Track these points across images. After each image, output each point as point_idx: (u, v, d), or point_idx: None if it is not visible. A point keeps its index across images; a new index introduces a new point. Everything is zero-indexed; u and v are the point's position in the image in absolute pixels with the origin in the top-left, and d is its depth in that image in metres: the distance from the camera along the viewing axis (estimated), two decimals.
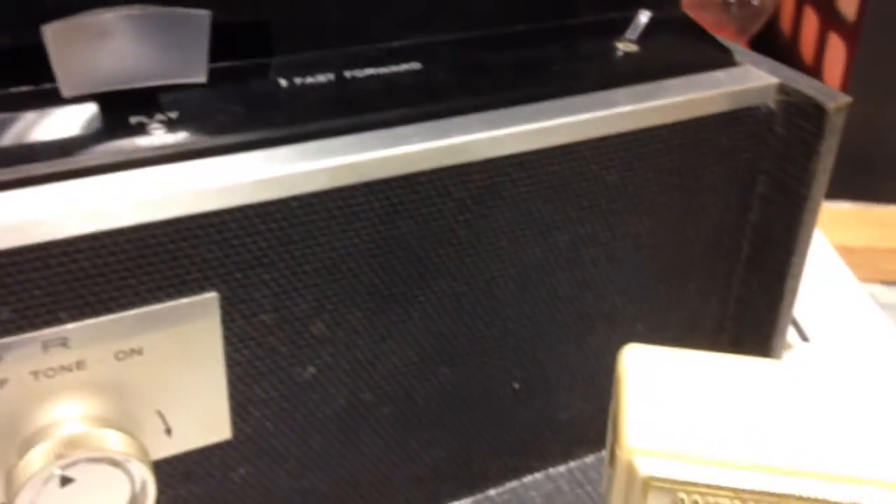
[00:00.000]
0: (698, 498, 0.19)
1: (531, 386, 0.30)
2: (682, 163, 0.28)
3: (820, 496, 0.18)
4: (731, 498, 0.19)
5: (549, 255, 0.27)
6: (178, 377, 0.23)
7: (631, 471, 0.19)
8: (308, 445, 0.27)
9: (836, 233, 0.54)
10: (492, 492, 0.31)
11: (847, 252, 0.51)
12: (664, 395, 0.20)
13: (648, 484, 0.19)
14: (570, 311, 0.29)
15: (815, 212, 0.29)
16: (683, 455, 0.19)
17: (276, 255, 0.23)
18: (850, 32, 0.62)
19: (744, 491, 0.18)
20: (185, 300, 0.23)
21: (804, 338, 0.36)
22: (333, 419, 0.27)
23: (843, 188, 0.62)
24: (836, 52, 0.64)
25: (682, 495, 0.19)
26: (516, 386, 0.30)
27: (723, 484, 0.18)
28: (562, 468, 0.32)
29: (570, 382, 0.31)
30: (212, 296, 0.23)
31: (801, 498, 0.18)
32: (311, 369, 0.25)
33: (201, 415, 0.24)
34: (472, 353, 0.28)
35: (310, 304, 0.24)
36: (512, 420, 0.30)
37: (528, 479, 0.32)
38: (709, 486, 0.18)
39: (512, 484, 0.31)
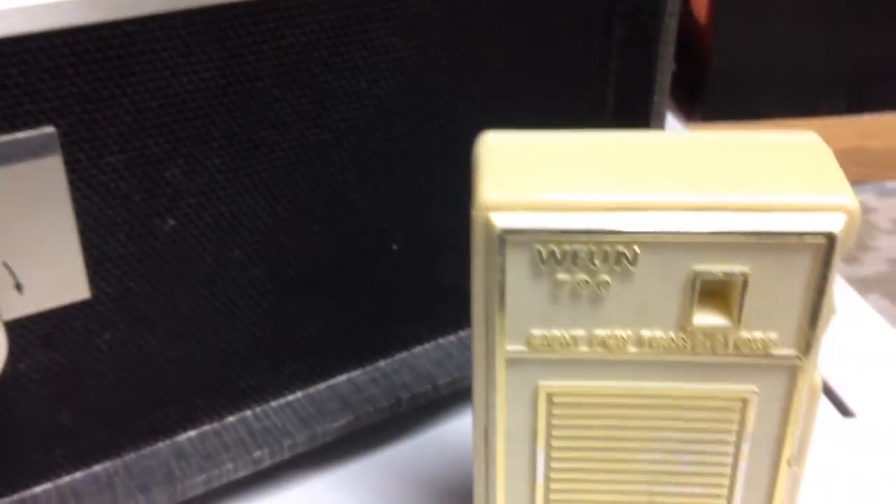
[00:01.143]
0: (555, 248, 0.18)
1: (411, 248, 0.29)
2: None
3: (671, 229, 0.18)
4: (585, 243, 0.18)
5: (414, 100, 0.27)
6: (23, 223, 0.22)
7: (488, 228, 0.18)
8: (176, 309, 0.25)
9: None
10: (381, 363, 0.30)
11: None
12: (519, 162, 0.19)
13: (505, 239, 0.18)
14: (442, 163, 0.28)
15: None
16: (537, 206, 0.18)
17: (117, 88, 0.22)
18: None
19: (597, 232, 0.18)
20: (20, 135, 0.21)
21: None
22: (202, 280, 0.26)
23: (720, 110, 0.63)
24: None
25: (539, 247, 0.18)
26: (395, 247, 0.29)
27: (577, 228, 0.18)
28: (452, 337, 0.31)
29: (452, 245, 0.30)
30: (50, 131, 0.22)
31: (652, 233, 0.18)
32: (171, 221, 0.24)
33: (54, 269, 0.23)
34: (343, 210, 0.27)
35: (161, 147, 0.23)
36: (395, 286, 0.29)
37: (417, 349, 0.31)
38: (563, 233, 0.18)
39: (402, 355, 0.31)
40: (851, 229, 0.18)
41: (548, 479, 0.21)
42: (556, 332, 0.19)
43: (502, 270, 0.19)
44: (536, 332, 0.19)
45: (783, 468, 0.21)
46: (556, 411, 0.20)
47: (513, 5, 0.27)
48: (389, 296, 0.29)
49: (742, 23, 0.63)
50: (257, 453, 0.27)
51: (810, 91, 0.64)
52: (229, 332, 0.27)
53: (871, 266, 0.49)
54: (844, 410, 0.31)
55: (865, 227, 0.52)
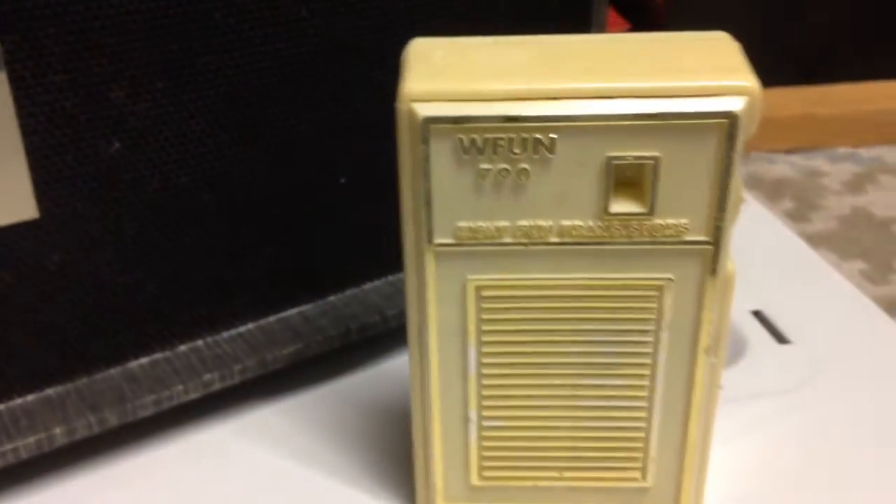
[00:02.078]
0: (476, 136, 0.19)
1: (359, 183, 0.30)
2: None
3: (584, 113, 0.19)
4: (505, 131, 0.19)
5: (360, 32, 0.28)
6: None
7: (412, 119, 0.19)
8: (125, 234, 0.26)
9: None
10: (332, 297, 0.31)
11: None
12: (443, 61, 0.20)
13: (428, 127, 0.19)
14: (391, 97, 0.29)
15: None
16: (458, 96, 0.19)
17: (59, 6, 0.23)
18: None
19: (515, 119, 0.19)
20: None
21: None
22: (149, 205, 0.26)
23: None
24: None
25: (461, 136, 0.19)
26: (343, 181, 0.30)
27: (496, 114, 0.19)
28: (401, 275, 0.32)
29: None
30: None
31: (566, 118, 0.19)
32: (116, 144, 0.25)
33: (2, 188, 0.24)
34: (289, 141, 0.28)
35: (105, 68, 0.24)
36: (344, 221, 0.30)
37: (367, 285, 0.32)
38: (483, 120, 0.19)
39: (352, 290, 0.31)
40: (753, 111, 0.19)
41: (479, 373, 0.22)
42: (482, 224, 0.20)
43: (427, 160, 0.19)
44: (463, 224, 0.20)
45: (701, 357, 0.22)
46: (484, 304, 0.21)
47: None
48: (338, 230, 0.30)
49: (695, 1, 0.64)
50: (207, 376, 0.28)
51: (763, 63, 0.65)
52: (178, 259, 0.27)
53: (820, 224, 0.51)
54: (781, 338, 0.32)
55: (816, 189, 0.54)
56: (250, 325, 0.30)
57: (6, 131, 0.23)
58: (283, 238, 0.29)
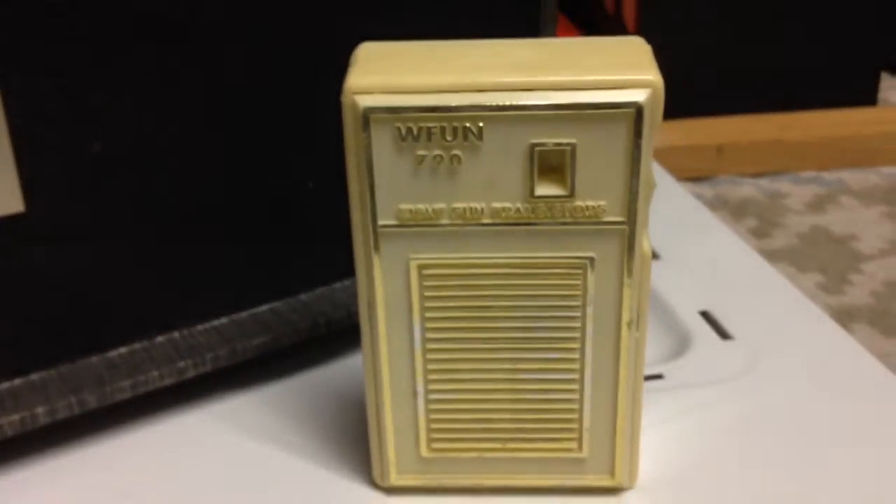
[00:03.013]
0: (412, 125, 0.22)
1: (328, 187, 0.32)
2: None
3: (508, 103, 0.21)
4: (437, 120, 0.21)
5: (328, 47, 0.30)
6: None
7: (354, 110, 0.21)
8: (106, 229, 0.28)
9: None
10: (303, 296, 0.33)
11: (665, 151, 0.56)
12: (386, 60, 0.23)
13: (368, 117, 0.21)
14: None
15: None
16: (396, 89, 0.21)
17: (47, 18, 0.25)
18: None
19: (446, 109, 0.21)
20: None
21: None
22: (129, 203, 0.28)
23: None
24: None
25: (399, 124, 0.22)
26: (311, 185, 0.32)
27: (429, 105, 0.21)
28: None
29: None
30: None
31: (492, 108, 0.21)
32: (98, 145, 0.27)
33: None
34: (261, 145, 0.30)
35: (87, 75, 0.26)
36: (314, 223, 0.32)
37: (337, 284, 0.34)
38: (418, 110, 0.21)
39: (322, 289, 0.34)
40: (656, 102, 0.21)
41: (424, 348, 0.24)
42: (421, 206, 0.23)
43: (368, 147, 0.22)
44: (404, 206, 0.23)
45: (624, 331, 0.24)
46: (426, 282, 0.23)
47: None
48: (308, 232, 0.32)
49: (667, 30, 0.67)
50: (181, 363, 0.30)
51: (731, 92, 0.68)
52: (157, 255, 0.30)
53: (781, 240, 0.53)
54: (724, 335, 0.34)
55: (779, 209, 0.56)
56: (224, 320, 0.32)
57: None
58: (256, 238, 0.31)
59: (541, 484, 0.26)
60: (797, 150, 0.63)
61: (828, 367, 0.32)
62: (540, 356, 0.24)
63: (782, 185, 0.61)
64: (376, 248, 0.23)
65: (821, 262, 0.51)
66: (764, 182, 0.62)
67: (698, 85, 0.68)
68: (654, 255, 0.41)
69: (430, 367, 0.25)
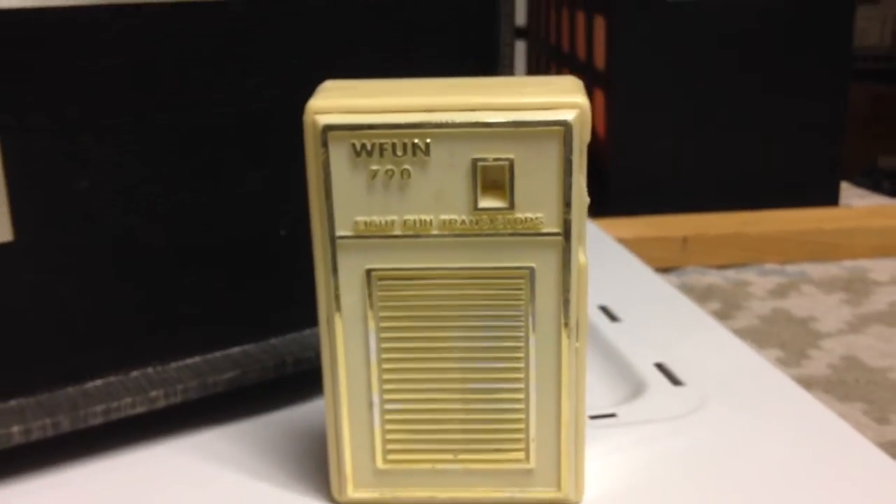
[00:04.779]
0: (366, 141, 0.24)
1: (298, 236, 0.34)
2: None
3: (452, 121, 0.24)
4: (389, 137, 0.24)
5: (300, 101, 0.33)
6: None
7: (314, 128, 0.24)
8: (89, 264, 0.30)
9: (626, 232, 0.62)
10: (273, 340, 0.35)
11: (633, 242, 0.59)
12: (344, 91, 0.25)
13: (326, 134, 0.24)
14: None
15: None
16: (352, 110, 0.24)
17: (42, 63, 0.28)
18: (605, 85, 0.73)
19: (396, 126, 0.24)
20: None
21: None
22: (110, 240, 0.31)
23: (623, 208, 0.71)
24: (599, 102, 0.75)
25: (354, 141, 0.24)
26: (283, 233, 0.34)
27: (381, 123, 0.24)
28: None
29: None
30: None
31: (437, 125, 0.24)
32: (85, 182, 0.30)
33: None
34: (236, 191, 0.33)
35: (76, 116, 0.29)
36: (286, 270, 0.34)
37: (307, 331, 0.36)
38: (371, 128, 0.24)
39: (293, 335, 0.35)
40: (584, 121, 0.24)
41: (380, 358, 0.26)
42: (375, 218, 0.25)
43: (327, 162, 0.24)
44: (360, 218, 0.25)
45: (564, 340, 0.26)
46: (380, 292, 0.25)
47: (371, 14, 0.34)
48: (281, 278, 0.34)
49: (635, 137, 0.71)
50: (153, 393, 0.31)
51: (696, 192, 0.72)
52: (133, 292, 0.32)
53: (743, 321, 0.55)
54: (676, 381, 0.36)
55: (742, 295, 0.59)
56: (197, 358, 0.33)
57: None
58: (230, 282, 0.33)
59: (491, 496, 0.27)
60: (760, 244, 0.66)
61: (772, 409, 0.34)
62: (487, 365, 0.26)
63: (746, 275, 0.64)
64: (334, 258, 0.25)
65: (781, 340, 0.53)
66: (729, 273, 0.64)
67: (664, 188, 0.72)
68: (614, 318, 0.43)
69: (385, 377, 0.26)
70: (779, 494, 0.28)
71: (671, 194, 0.71)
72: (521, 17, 1.15)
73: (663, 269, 0.64)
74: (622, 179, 0.71)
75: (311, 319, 0.36)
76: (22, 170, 0.29)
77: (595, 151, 0.78)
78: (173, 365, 0.33)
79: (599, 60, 0.75)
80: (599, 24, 0.75)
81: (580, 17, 0.81)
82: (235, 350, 0.34)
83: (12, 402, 0.30)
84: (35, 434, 0.29)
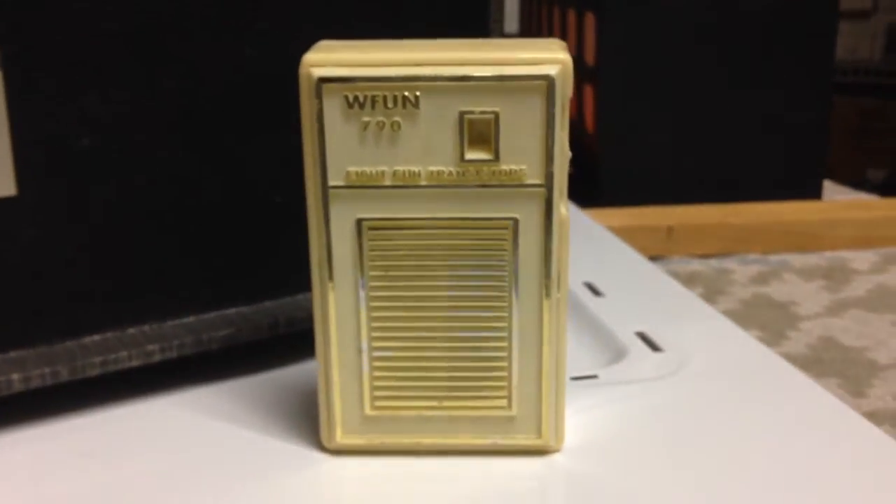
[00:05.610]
0: (359, 94, 0.25)
1: (295, 201, 0.35)
2: None
3: (440, 75, 0.25)
4: (380, 89, 0.25)
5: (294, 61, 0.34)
6: None
7: (309, 80, 0.25)
8: (88, 220, 0.31)
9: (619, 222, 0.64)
10: (267, 303, 0.36)
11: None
12: (338, 47, 0.26)
13: (321, 86, 0.25)
14: None
15: None
16: (345, 63, 0.25)
17: (51, 25, 0.29)
18: (594, 80, 0.75)
19: (387, 79, 0.25)
20: None
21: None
22: (110, 198, 0.32)
23: (612, 200, 0.72)
24: (588, 97, 0.76)
25: (347, 93, 0.25)
26: (278, 199, 0.35)
27: (373, 76, 0.25)
28: None
29: None
30: None
31: (426, 79, 0.25)
32: (86, 141, 0.31)
33: None
34: (235, 155, 0.34)
35: (82, 77, 0.30)
36: (281, 235, 0.36)
37: (300, 295, 0.37)
38: (364, 80, 0.25)
39: (285, 299, 0.36)
40: (566, 76, 0.25)
41: (369, 305, 0.27)
42: (366, 169, 0.26)
43: (320, 113, 0.25)
44: (351, 168, 0.26)
45: (546, 291, 0.27)
46: (370, 242, 0.27)
47: None
48: (274, 242, 0.36)
49: (623, 131, 0.72)
50: (150, 347, 0.32)
51: (682, 185, 0.73)
52: (132, 251, 0.33)
53: (724, 304, 0.56)
54: (655, 348, 0.37)
55: (724, 281, 0.60)
56: (192, 318, 0.35)
57: None
58: (227, 244, 0.34)
59: (474, 442, 0.28)
60: (743, 234, 0.68)
61: (747, 371, 0.35)
62: (472, 314, 0.27)
63: (729, 264, 0.65)
64: (326, 207, 0.26)
65: (761, 322, 0.54)
66: (712, 262, 0.66)
67: (652, 181, 0.73)
68: (598, 293, 0.44)
69: (374, 324, 0.27)
70: (752, 448, 0.29)
71: (658, 186, 0.73)
72: (513, 20, 1.16)
73: (649, 258, 0.66)
74: (611, 171, 0.73)
75: (304, 284, 0.37)
76: (26, 127, 0.30)
77: (585, 144, 0.80)
78: (169, 323, 0.34)
79: (589, 57, 0.76)
80: (590, 21, 0.77)
81: (571, 15, 0.83)
82: (231, 311, 0.35)
83: (12, 354, 0.31)
84: (34, 382, 0.30)
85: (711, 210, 0.70)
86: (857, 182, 0.94)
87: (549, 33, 0.92)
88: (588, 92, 0.76)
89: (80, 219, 0.31)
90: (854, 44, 1.57)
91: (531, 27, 1.03)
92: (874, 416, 0.43)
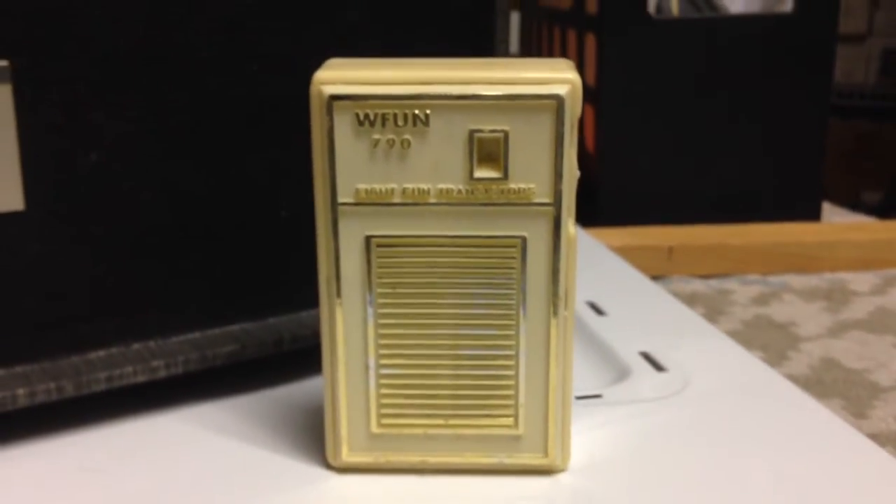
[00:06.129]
0: (369, 111, 0.25)
1: (300, 217, 0.35)
2: None
3: (450, 94, 0.25)
4: (391, 107, 0.25)
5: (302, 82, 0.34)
6: None
7: (320, 97, 0.25)
8: (94, 235, 0.31)
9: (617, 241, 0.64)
10: (271, 319, 0.36)
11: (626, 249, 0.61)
12: (349, 65, 0.27)
13: (332, 103, 0.25)
14: None
15: None
16: (356, 81, 0.25)
17: (61, 42, 0.29)
18: (595, 101, 0.75)
19: (398, 97, 0.25)
20: None
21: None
22: (117, 214, 0.32)
23: (612, 220, 0.72)
24: (589, 118, 0.77)
25: (358, 111, 0.25)
26: (284, 214, 0.35)
27: (384, 94, 0.25)
28: None
29: None
30: (3, 64, 0.29)
31: (436, 97, 0.25)
32: (94, 156, 0.31)
33: None
34: (240, 172, 0.34)
35: (90, 94, 0.30)
36: (284, 250, 0.36)
37: (304, 313, 0.37)
38: (374, 98, 0.25)
39: (289, 316, 0.36)
40: (575, 96, 0.25)
41: (376, 322, 0.27)
42: (376, 186, 0.26)
43: (331, 131, 0.25)
44: (361, 185, 0.26)
45: (553, 310, 0.27)
46: (378, 259, 0.27)
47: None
48: (279, 259, 0.36)
49: (623, 152, 0.73)
50: (155, 363, 0.32)
51: (682, 206, 0.73)
52: (138, 267, 0.33)
53: (725, 325, 0.56)
54: (659, 367, 0.37)
55: (725, 302, 0.60)
56: (197, 334, 0.34)
57: (5, 134, 0.29)
58: (232, 261, 0.35)
59: (480, 461, 0.28)
60: (743, 255, 0.68)
61: (751, 391, 0.35)
62: (479, 332, 0.27)
63: (729, 284, 0.65)
64: (335, 224, 0.26)
65: (762, 342, 0.54)
66: (712, 282, 0.66)
67: (651, 202, 0.73)
68: (601, 312, 0.44)
69: (381, 341, 0.27)
70: (757, 468, 0.29)
71: (658, 207, 0.73)
72: (514, 41, 1.17)
73: (649, 278, 0.66)
74: (611, 192, 0.73)
75: (309, 301, 0.37)
76: (36, 142, 0.30)
77: (585, 165, 0.80)
78: (174, 339, 0.34)
79: (590, 78, 0.76)
80: (590, 42, 0.77)
81: (571, 36, 0.83)
82: (235, 327, 0.35)
83: (17, 369, 0.31)
84: (39, 397, 0.30)
85: (712, 231, 0.70)
86: (851, 204, 0.95)
87: (550, 54, 0.93)
88: (588, 112, 0.77)
89: (86, 234, 0.31)
90: (849, 67, 1.58)
91: (531, 48, 1.04)
92: (877, 438, 0.43)
